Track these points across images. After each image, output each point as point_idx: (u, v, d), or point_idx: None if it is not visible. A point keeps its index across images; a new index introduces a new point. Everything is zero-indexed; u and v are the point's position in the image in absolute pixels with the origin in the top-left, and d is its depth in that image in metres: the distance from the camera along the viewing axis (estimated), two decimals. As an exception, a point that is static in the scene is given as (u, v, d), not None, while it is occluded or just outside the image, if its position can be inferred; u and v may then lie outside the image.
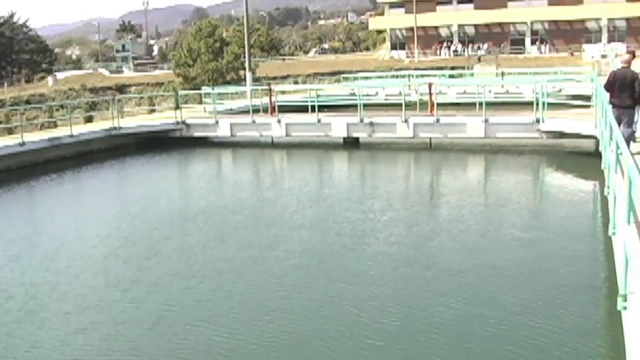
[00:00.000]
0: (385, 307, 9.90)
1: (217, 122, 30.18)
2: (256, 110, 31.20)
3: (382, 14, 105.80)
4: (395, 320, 9.45)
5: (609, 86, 14.53)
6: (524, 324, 9.11)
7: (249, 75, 45.64)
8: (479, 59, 70.64)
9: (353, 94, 36.99)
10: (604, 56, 61.26)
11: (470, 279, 11.00)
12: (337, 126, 27.49)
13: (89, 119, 34.85)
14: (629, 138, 13.94)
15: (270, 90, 31.31)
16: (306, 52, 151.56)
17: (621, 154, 9.24)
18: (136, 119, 33.85)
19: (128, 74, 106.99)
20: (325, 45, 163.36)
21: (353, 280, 11.13)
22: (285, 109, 31.41)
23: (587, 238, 13.28)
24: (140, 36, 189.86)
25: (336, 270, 11.73)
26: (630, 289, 7.00)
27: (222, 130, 30.06)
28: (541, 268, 11.36)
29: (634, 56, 15.71)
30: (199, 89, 44.29)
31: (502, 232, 13.87)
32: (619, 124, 13.82)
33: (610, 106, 14.45)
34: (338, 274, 11.54)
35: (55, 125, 32.24)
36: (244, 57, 50.50)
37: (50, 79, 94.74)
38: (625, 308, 7.01)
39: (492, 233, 13.93)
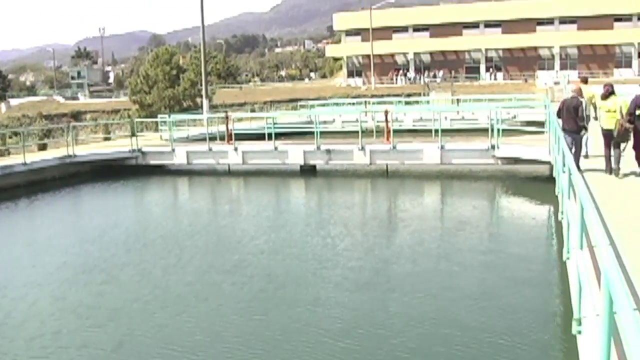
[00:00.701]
0: (348, 330, 9.90)
1: (173, 150, 29.98)
2: (213, 138, 31.10)
3: (339, 41, 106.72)
4: (357, 343, 9.44)
5: (559, 113, 16.05)
6: (482, 348, 9.15)
7: (205, 102, 45.52)
8: (427, 86, 71.51)
9: (310, 122, 37.12)
10: (556, 83, 62.37)
11: (429, 303, 11.05)
12: (294, 154, 27.52)
13: (42, 147, 34.40)
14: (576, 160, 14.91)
15: (227, 117, 31.24)
16: (263, 80, 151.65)
17: (573, 180, 9.38)
18: (91, 147, 33.46)
19: (83, 100, 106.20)
20: (282, 73, 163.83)
21: (314, 304, 11.15)
22: (242, 136, 31.34)
23: (543, 262, 13.39)
24: (96, 63, 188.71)
25: (297, 295, 11.73)
26: (583, 313, 7.07)
27: (179, 158, 29.87)
28: (498, 292, 11.44)
29: (586, 82, 17.71)
30: (156, 116, 44.03)
31: (460, 258, 13.92)
32: (571, 149, 14.90)
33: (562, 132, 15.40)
34: (299, 298, 11.55)
35: (9, 153, 31.71)
36: (201, 84, 50.39)
37: (3, 106, 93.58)
38: (579, 332, 7.08)
39: (449, 258, 13.97)
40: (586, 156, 17.49)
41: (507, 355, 8.95)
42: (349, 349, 9.35)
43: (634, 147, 14.77)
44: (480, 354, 9.00)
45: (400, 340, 9.51)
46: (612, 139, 15.00)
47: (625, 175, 14.96)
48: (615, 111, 14.81)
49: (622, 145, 14.95)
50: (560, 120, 16.14)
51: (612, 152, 15.12)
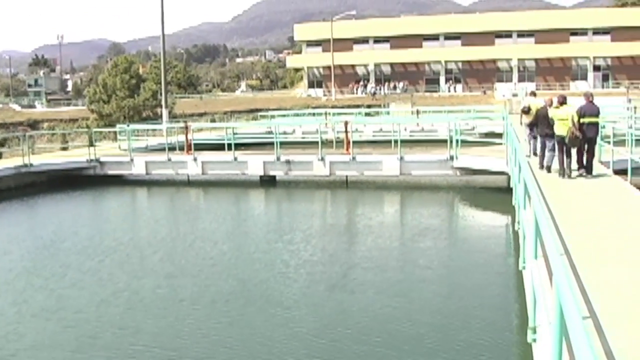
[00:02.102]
0: (315, 330, 10.06)
1: (132, 160, 29.72)
2: (172, 148, 30.91)
3: (300, 52, 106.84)
4: (323, 342, 9.61)
5: (535, 120, 18.43)
6: (439, 356, 9.22)
7: (165, 112, 45.24)
8: (374, 96, 71.91)
9: (270, 132, 37.09)
10: (514, 95, 63.19)
11: (388, 311, 11.14)
12: (254, 164, 27.48)
13: (-2, 156, 33.82)
14: (550, 159, 17.38)
15: (186, 127, 31.07)
16: (224, 90, 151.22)
17: (529, 190, 9.51)
18: (48, 156, 33.01)
19: (40, 109, 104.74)
20: (243, 83, 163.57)
21: (282, 307, 11.31)
22: (202, 147, 31.19)
23: (500, 272, 13.52)
24: (54, 71, 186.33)
25: (262, 297, 11.95)
26: (538, 322, 7.16)
27: (137, 168, 29.62)
28: (456, 301, 11.55)
29: (535, 95, 21.04)
30: (114, 126, 43.62)
31: (419, 267, 14.02)
32: (543, 149, 17.72)
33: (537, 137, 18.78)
34: (264, 300, 11.79)
35: (-37, 162, 31.12)
36: (161, 94, 50.08)
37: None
38: (534, 340, 7.17)
39: (409, 267, 14.07)
40: (535, 154, 19.99)
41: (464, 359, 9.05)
42: (315, 347, 9.60)
43: (577, 152, 16.65)
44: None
45: (360, 345, 9.64)
46: (563, 145, 16.39)
47: (575, 177, 16.59)
48: (567, 119, 16.10)
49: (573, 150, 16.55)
50: (536, 129, 18.60)
51: (564, 157, 16.56)
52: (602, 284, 7.84)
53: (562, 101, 16.62)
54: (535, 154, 19.90)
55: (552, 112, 17.03)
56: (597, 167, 18.90)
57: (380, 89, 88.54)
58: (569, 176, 16.47)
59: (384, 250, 15.77)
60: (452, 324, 10.49)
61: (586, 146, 16.67)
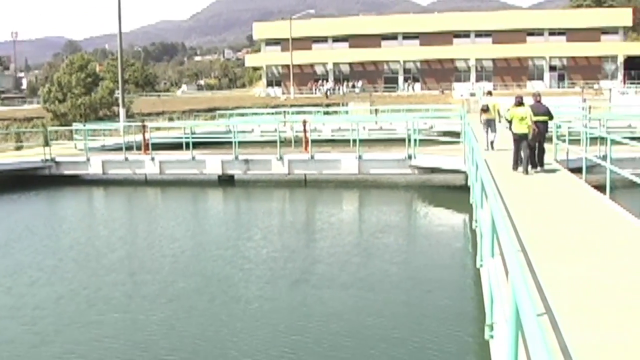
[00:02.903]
0: (275, 323, 9.95)
1: (88, 160, 29.33)
2: (129, 148, 30.57)
3: (259, 51, 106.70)
4: (285, 335, 9.48)
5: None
6: (397, 353, 9.24)
7: (122, 111, 44.78)
8: (327, 95, 71.99)
9: (228, 131, 36.89)
10: (472, 94, 63.76)
11: (348, 307, 11.20)
12: (212, 163, 27.30)
13: (-51, 156, 33.11)
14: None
15: (144, 127, 30.76)
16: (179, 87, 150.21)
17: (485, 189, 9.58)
18: (1, 156, 32.41)
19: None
20: (201, 82, 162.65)
21: (244, 301, 11.23)
22: (160, 146, 30.87)
23: (458, 270, 13.61)
24: (7, 68, 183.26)
25: (223, 294, 11.97)
26: (495, 319, 7.21)
27: (94, 168, 29.24)
28: (414, 299, 11.61)
29: (490, 94, 23.98)
30: (70, 125, 43.00)
31: (378, 265, 14.04)
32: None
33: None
34: (226, 295, 11.92)
35: None
36: (118, 92, 49.52)
37: None
38: (492, 337, 7.21)
39: (368, 265, 14.09)
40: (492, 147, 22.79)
41: (422, 357, 9.11)
42: (278, 340, 9.77)
43: (530, 148, 17.77)
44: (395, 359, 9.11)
45: (321, 339, 9.80)
46: (522, 142, 17.44)
47: (531, 173, 17.65)
48: (526, 118, 17.40)
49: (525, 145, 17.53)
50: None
51: (522, 154, 17.62)
52: (558, 280, 7.94)
53: (520, 101, 17.91)
54: (492, 146, 22.64)
55: (511, 112, 17.92)
56: (553, 166, 19.31)
57: (339, 89, 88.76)
58: (527, 172, 17.44)
59: (344, 248, 15.80)
60: (411, 321, 10.55)
61: (537, 141, 18.02)
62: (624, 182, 14.06)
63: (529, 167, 17.66)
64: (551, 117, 18.55)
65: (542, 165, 18.42)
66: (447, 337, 9.84)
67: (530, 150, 17.78)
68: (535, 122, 17.64)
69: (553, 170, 18.70)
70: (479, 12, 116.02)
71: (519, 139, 17.55)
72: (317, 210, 22.26)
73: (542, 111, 18.16)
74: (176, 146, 31.17)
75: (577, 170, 18.21)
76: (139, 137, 31.54)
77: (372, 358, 9.19)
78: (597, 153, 20.09)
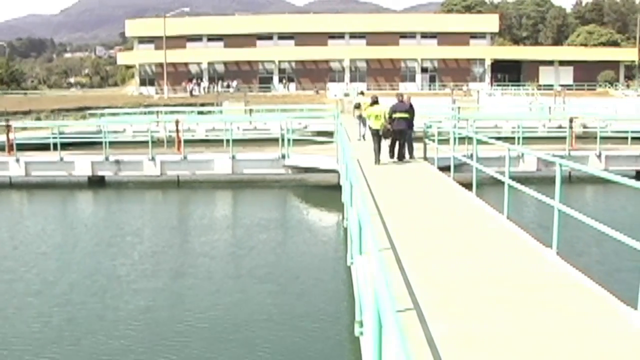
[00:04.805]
0: (149, 316, 9.70)
1: (-56, 162, 27.66)
2: (-8, 148, 29.11)
3: (132, 48, 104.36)
4: (157, 326, 9.26)
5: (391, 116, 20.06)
6: (271, 350, 9.28)
7: (-15, 109, 42.71)
8: (191, 94, 71.51)
9: (99, 131, 35.82)
10: (346, 94, 64.64)
11: (221, 305, 11.22)
12: (81, 165, 26.36)
13: None
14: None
15: (7, 126, 29.36)
16: (50, 87, 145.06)
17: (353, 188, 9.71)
18: None
19: None
20: (71, 80, 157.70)
21: (109, 297, 10.85)
22: (25, 146, 29.48)
23: (331, 268, 13.73)
24: None
25: (94, 297, 11.38)
26: (364, 316, 7.29)
27: (-49, 170, 27.61)
28: (288, 298, 11.65)
29: (363, 94, 25.31)
30: None
31: (252, 264, 14.00)
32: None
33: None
34: (95, 300, 11.25)
35: None
36: (-20, 90, 47.19)
37: None
38: (361, 333, 7.29)
39: (242, 263, 14.07)
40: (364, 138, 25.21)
41: (295, 357, 9.13)
42: (144, 336, 9.72)
43: (392, 141, 19.98)
44: (269, 357, 9.10)
45: (192, 337, 9.79)
46: (378, 137, 19.55)
47: (386, 163, 19.69)
48: (380, 116, 19.35)
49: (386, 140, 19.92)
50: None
51: (378, 147, 19.65)
52: (426, 275, 8.13)
53: (375, 100, 20.15)
54: (364, 138, 24.82)
55: (368, 110, 20.15)
56: (423, 164, 19.87)
57: (204, 88, 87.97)
58: (378, 163, 19.46)
59: (216, 247, 15.75)
60: (284, 319, 10.57)
61: (399, 138, 19.93)
62: (490, 180, 14.57)
63: (395, 157, 20.10)
64: (412, 115, 20.15)
65: (411, 157, 20.68)
66: (320, 334, 9.91)
67: (394, 144, 20.02)
68: (398, 119, 19.42)
69: (423, 169, 19.21)
70: (353, 14, 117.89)
71: (375, 134, 19.59)
72: (190, 211, 21.99)
73: (403, 109, 19.78)
74: (43, 147, 29.96)
75: (446, 169, 18.77)
76: (2, 138, 30.06)
77: (244, 356, 9.16)
78: (465, 152, 20.82)
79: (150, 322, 10.70)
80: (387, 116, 19.30)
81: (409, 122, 20.04)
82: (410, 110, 20.09)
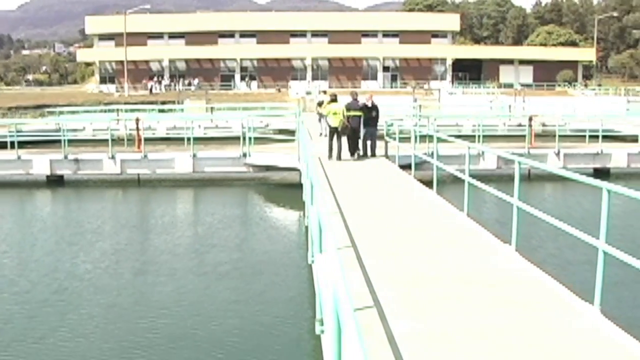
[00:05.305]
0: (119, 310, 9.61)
1: None
2: (-55, 148, 28.51)
3: (92, 46, 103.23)
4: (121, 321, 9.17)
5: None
6: (232, 349, 9.26)
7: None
8: (151, 91, 70.97)
9: (58, 129, 35.32)
10: (308, 93, 64.60)
11: (182, 307, 11.10)
12: (40, 163, 25.90)
13: None
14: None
15: (-38, 124, 28.79)
16: (8, 84, 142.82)
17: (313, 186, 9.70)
18: None
19: None
20: (30, 77, 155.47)
21: (77, 294, 10.73)
22: (-18, 145, 28.95)
23: (293, 266, 13.70)
24: None
25: (53, 296, 11.24)
26: (324, 314, 7.29)
27: None
28: (250, 297, 11.61)
29: (325, 92, 24.88)
30: None
31: (214, 262, 13.93)
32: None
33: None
34: (55, 299, 11.19)
35: None
36: None
37: None
38: (322, 332, 7.28)
39: (204, 263, 13.97)
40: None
41: (258, 356, 9.11)
42: (113, 333, 9.60)
43: (348, 139, 20.70)
44: (230, 356, 9.09)
45: (156, 334, 9.85)
46: (337, 133, 20.36)
47: (347, 160, 20.50)
48: (339, 113, 20.00)
49: (343, 137, 20.53)
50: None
51: (335, 143, 20.53)
52: (386, 272, 8.16)
53: (334, 98, 20.94)
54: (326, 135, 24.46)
55: (326, 108, 21.05)
56: (384, 162, 19.97)
57: (174, 85, 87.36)
58: (339, 158, 20.38)
59: (179, 245, 15.65)
60: (247, 317, 10.56)
61: (353, 135, 20.79)
62: (451, 178, 14.70)
63: (355, 155, 20.92)
64: (371, 113, 20.98)
65: (373, 154, 21.42)
66: (282, 332, 9.90)
67: (352, 140, 20.80)
68: (351, 117, 20.29)
69: (385, 167, 19.30)
70: (315, 12, 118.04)
71: (333, 130, 20.40)
72: (150, 209, 21.82)
73: (357, 107, 20.73)
74: (0, 145, 29.46)
75: (407, 167, 18.89)
76: (-45, 137, 29.48)
77: (206, 353, 9.16)
78: (426, 150, 21.00)
79: (113, 319, 10.64)
80: (345, 114, 20.05)
81: (370, 119, 21.02)
82: (368, 109, 21.03)
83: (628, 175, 25.48)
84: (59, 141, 27.09)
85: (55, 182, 26.00)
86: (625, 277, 10.25)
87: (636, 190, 6.61)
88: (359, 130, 21.00)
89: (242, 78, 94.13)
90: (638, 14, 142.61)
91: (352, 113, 20.41)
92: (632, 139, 29.21)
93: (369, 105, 21.19)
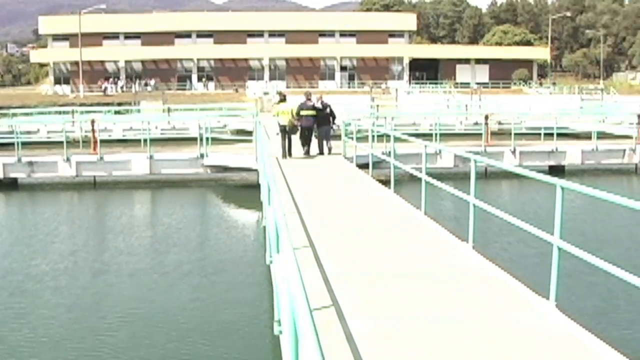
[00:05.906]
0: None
1: None
2: None
3: (46, 46, 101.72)
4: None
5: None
6: (191, 350, 9.25)
7: None
8: (104, 92, 70.47)
9: (11, 132, 34.67)
10: (266, 93, 64.49)
11: (142, 307, 11.11)
12: (-8, 167, 25.43)
13: None
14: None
15: None
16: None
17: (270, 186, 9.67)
18: None
19: None
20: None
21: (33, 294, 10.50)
22: None
23: (251, 267, 13.66)
24: None
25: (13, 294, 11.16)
26: (282, 315, 7.27)
27: None
28: (211, 297, 11.62)
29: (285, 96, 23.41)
30: None
31: (170, 264, 13.85)
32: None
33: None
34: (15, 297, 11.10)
35: None
36: None
37: None
38: (280, 332, 7.27)
39: (163, 264, 13.91)
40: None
41: (217, 356, 9.13)
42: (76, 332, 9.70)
43: (300, 136, 21.40)
44: (190, 357, 9.08)
45: (120, 332, 9.85)
46: (286, 132, 20.95)
47: (300, 157, 21.10)
48: (287, 112, 20.75)
49: (292, 136, 21.27)
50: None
51: (287, 142, 21.16)
52: (343, 272, 8.16)
53: (283, 98, 22.09)
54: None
55: (276, 107, 22.03)
56: (342, 162, 20.02)
57: (131, 86, 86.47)
58: (289, 156, 21.11)
59: (136, 246, 15.59)
60: (207, 319, 10.52)
61: (308, 134, 21.47)
62: (409, 177, 14.79)
63: (307, 153, 21.49)
64: (316, 113, 21.32)
65: (329, 152, 22.09)
66: (242, 333, 9.89)
67: (303, 139, 21.46)
68: (305, 116, 20.95)
69: (342, 167, 19.34)
70: (272, 12, 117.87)
71: (283, 129, 20.96)
72: (108, 211, 21.60)
73: (309, 107, 21.26)
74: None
75: (365, 166, 18.95)
76: None
77: (166, 353, 9.14)
78: (384, 149, 21.10)
79: (73, 319, 10.61)
80: (294, 113, 20.78)
81: (322, 118, 21.56)
82: (320, 109, 21.58)
83: (582, 172, 25.92)
84: (12, 144, 26.59)
85: (8, 185, 25.52)
86: (580, 271, 10.40)
87: (588, 187, 6.71)
88: (312, 129, 21.57)
89: (199, 78, 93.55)
90: (591, 14, 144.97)
91: (305, 112, 21.03)
92: (586, 136, 29.74)
93: (319, 105, 21.63)
